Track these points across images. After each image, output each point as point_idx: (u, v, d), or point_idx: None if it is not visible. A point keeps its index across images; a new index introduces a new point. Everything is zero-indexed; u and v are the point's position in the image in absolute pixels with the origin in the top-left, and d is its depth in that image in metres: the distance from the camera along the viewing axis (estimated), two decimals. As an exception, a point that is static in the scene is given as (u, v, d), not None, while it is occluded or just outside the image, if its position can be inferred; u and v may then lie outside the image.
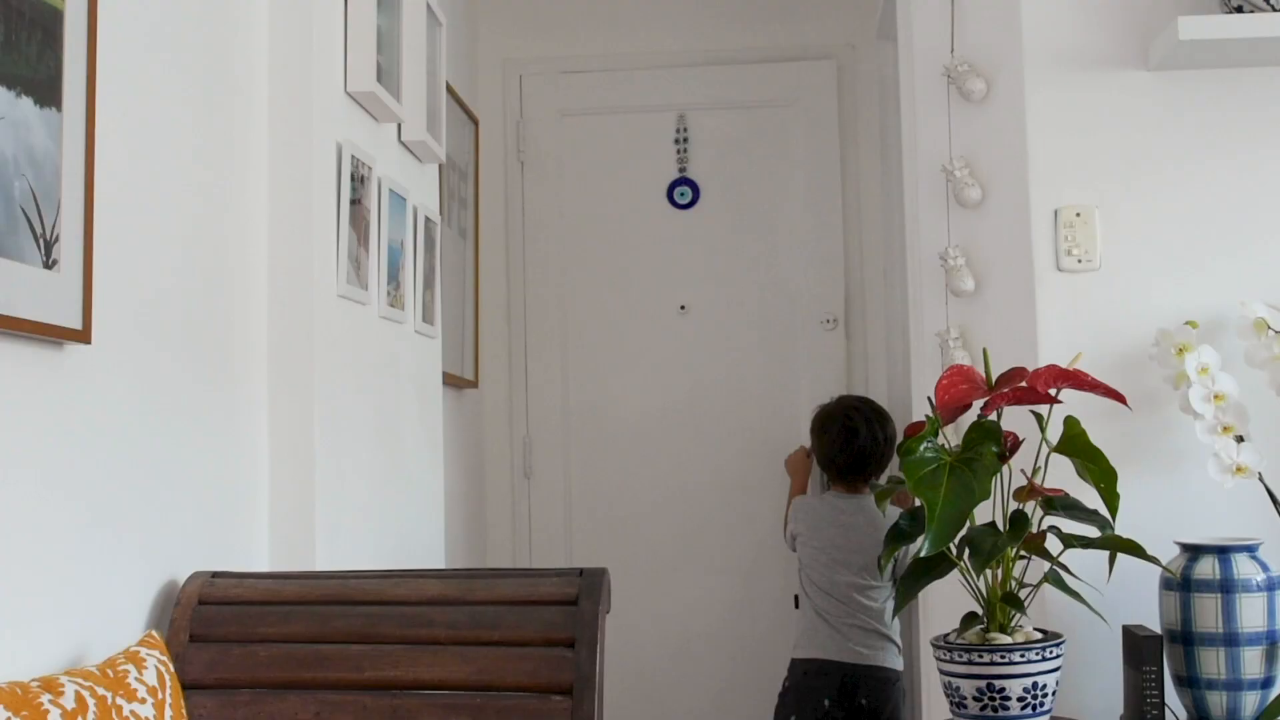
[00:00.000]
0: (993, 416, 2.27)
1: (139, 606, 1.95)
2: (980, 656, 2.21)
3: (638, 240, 4.28)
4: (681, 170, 4.25)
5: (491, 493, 4.25)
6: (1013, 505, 2.27)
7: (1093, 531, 2.28)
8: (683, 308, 4.23)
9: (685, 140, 4.25)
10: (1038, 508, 2.29)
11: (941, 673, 2.28)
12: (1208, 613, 2.32)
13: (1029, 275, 2.68)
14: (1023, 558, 2.30)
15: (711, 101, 4.28)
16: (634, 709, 3.93)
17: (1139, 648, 2.35)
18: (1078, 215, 2.67)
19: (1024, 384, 2.27)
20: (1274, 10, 2.50)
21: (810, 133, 4.25)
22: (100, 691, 1.55)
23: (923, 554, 2.16)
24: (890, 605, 3.31)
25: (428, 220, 3.14)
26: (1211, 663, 2.33)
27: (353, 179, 2.55)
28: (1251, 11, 2.51)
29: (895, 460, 2.94)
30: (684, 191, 4.25)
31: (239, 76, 2.33)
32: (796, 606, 3.46)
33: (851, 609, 3.30)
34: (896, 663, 3.33)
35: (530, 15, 4.34)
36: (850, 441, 3.41)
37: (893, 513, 3.14)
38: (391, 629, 1.99)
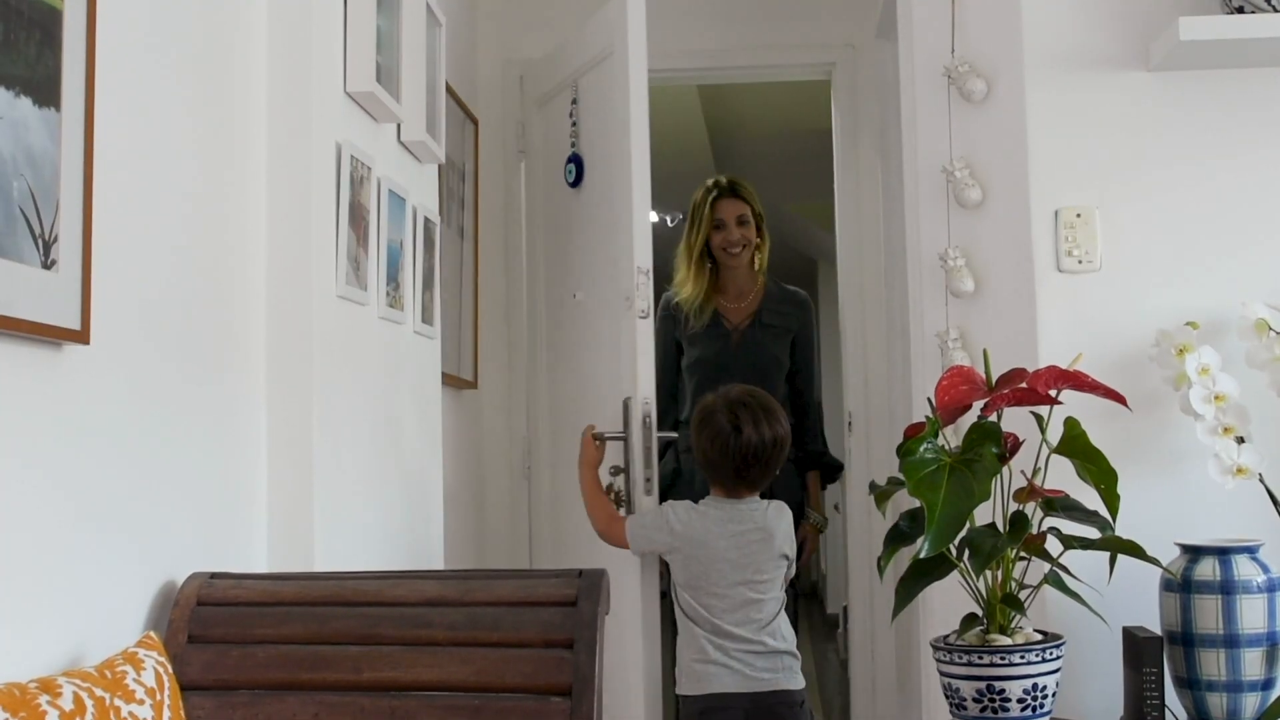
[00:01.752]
0: (993, 417, 2.27)
1: (137, 607, 1.94)
2: (980, 658, 2.21)
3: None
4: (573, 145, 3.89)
5: (491, 493, 4.25)
6: (1013, 506, 2.27)
7: (1093, 533, 2.28)
8: (575, 296, 3.88)
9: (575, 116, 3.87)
10: (1038, 509, 2.29)
11: (941, 674, 2.28)
12: (1208, 614, 2.32)
13: (1029, 276, 2.68)
14: (1023, 559, 2.30)
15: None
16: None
17: (1139, 649, 2.35)
18: (1078, 216, 2.67)
19: (1024, 385, 2.27)
20: (1274, 11, 2.50)
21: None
22: (98, 692, 1.55)
23: (922, 555, 2.16)
24: (783, 616, 2.91)
25: (427, 221, 3.14)
26: (1212, 664, 2.32)
27: (352, 179, 2.55)
28: (1252, 12, 2.51)
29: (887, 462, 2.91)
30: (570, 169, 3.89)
31: (238, 76, 2.33)
32: (677, 630, 2.96)
33: (751, 629, 2.84)
34: (799, 681, 2.90)
35: (530, 15, 4.34)
36: (731, 441, 2.85)
37: (775, 513, 2.90)
38: (390, 630, 1.99)
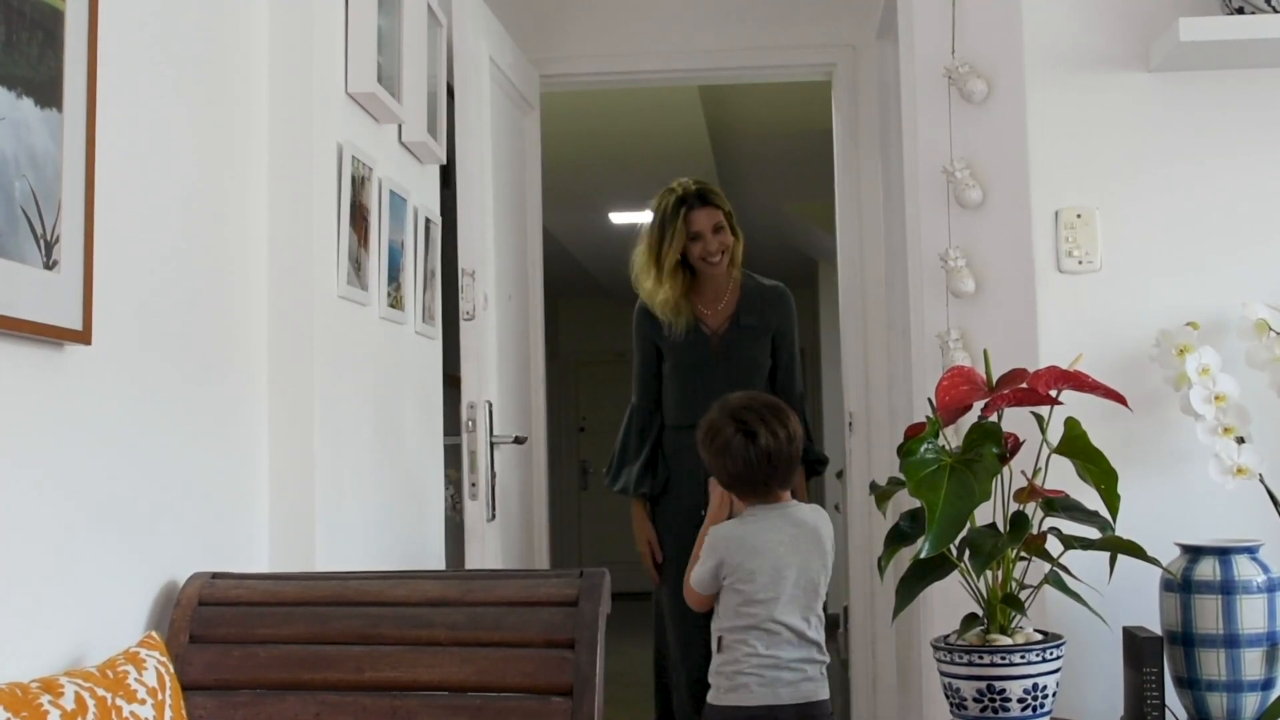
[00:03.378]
0: (993, 418, 2.27)
1: (139, 607, 1.95)
2: (980, 658, 2.21)
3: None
4: None
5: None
6: (1013, 506, 2.27)
7: (1093, 533, 2.28)
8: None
9: None
10: (1038, 509, 2.29)
11: (942, 674, 2.28)
12: (1208, 614, 2.32)
13: (1030, 276, 2.68)
14: (1023, 559, 2.30)
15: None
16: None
17: (1139, 649, 2.35)
18: (1078, 216, 2.67)
19: (1025, 385, 2.27)
20: (1275, 11, 2.50)
21: None
22: (100, 692, 1.55)
23: (923, 555, 2.16)
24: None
25: (428, 221, 3.14)
26: (1212, 664, 2.32)
27: (353, 180, 2.55)
28: (1253, 13, 2.51)
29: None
30: None
31: (240, 78, 2.33)
32: (719, 650, 2.77)
33: (804, 642, 2.70)
34: (827, 690, 2.77)
35: (530, 16, 4.34)
36: (750, 452, 2.73)
37: (817, 515, 2.79)
38: (391, 630, 1.99)
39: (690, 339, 3.84)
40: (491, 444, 3.19)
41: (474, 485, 3.13)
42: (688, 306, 3.84)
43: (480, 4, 3.34)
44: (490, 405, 3.20)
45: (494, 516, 3.19)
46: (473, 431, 3.14)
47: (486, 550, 3.15)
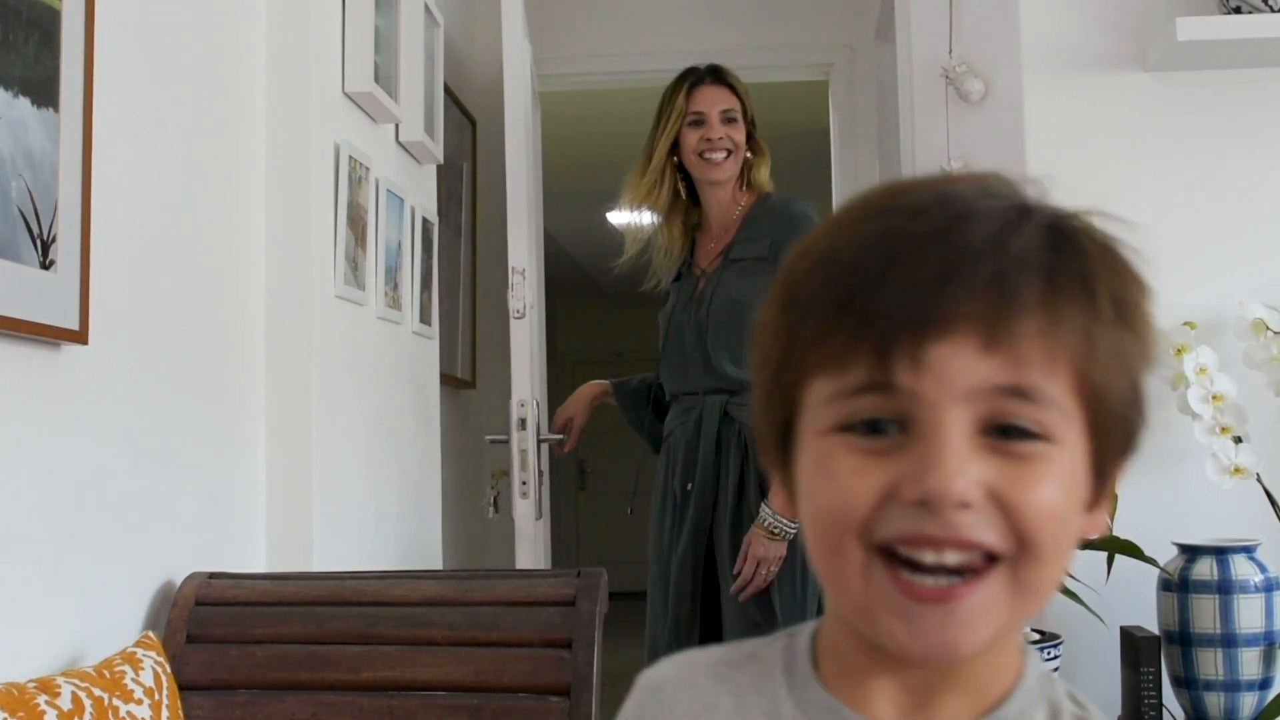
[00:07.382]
0: (991, 417, 2.26)
1: (136, 607, 1.94)
2: (978, 657, 2.21)
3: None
4: None
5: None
6: (1011, 506, 2.27)
7: (1091, 532, 2.28)
8: None
9: None
10: (1036, 508, 2.29)
11: (939, 674, 2.28)
12: (1205, 614, 2.32)
13: (1027, 276, 2.68)
14: (1021, 558, 2.30)
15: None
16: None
17: (1137, 649, 2.35)
18: (1076, 216, 2.67)
19: (1022, 385, 2.27)
20: (1272, 11, 2.51)
21: None
22: (97, 692, 1.55)
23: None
24: None
25: (425, 221, 3.14)
26: (1209, 664, 2.33)
27: (350, 179, 2.55)
28: (1250, 12, 2.52)
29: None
30: None
31: (237, 77, 2.33)
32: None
33: None
34: None
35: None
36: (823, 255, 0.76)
37: None
38: (389, 630, 1.99)
39: (679, 285, 2.93)
40: (540, 442, 3.14)
41: (524, 484, 3.05)
42: (683, 237, 2.89)
43: (521, 3, 3.32)
44: (539, 404, 3.17)
45: (542, 515, 3.17)
46: (523, 430, 3.07)
47: (537, 548, 3.12)
